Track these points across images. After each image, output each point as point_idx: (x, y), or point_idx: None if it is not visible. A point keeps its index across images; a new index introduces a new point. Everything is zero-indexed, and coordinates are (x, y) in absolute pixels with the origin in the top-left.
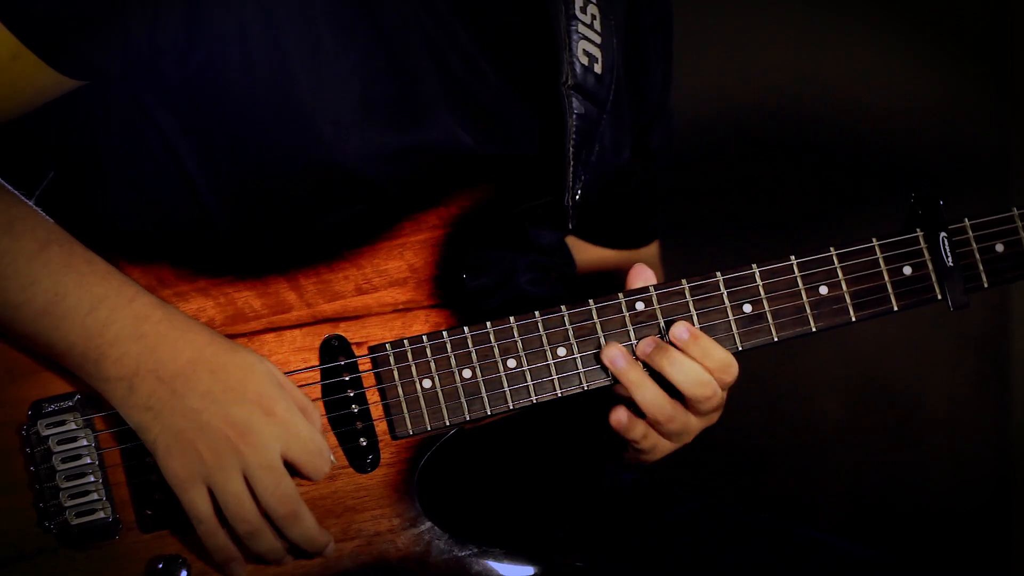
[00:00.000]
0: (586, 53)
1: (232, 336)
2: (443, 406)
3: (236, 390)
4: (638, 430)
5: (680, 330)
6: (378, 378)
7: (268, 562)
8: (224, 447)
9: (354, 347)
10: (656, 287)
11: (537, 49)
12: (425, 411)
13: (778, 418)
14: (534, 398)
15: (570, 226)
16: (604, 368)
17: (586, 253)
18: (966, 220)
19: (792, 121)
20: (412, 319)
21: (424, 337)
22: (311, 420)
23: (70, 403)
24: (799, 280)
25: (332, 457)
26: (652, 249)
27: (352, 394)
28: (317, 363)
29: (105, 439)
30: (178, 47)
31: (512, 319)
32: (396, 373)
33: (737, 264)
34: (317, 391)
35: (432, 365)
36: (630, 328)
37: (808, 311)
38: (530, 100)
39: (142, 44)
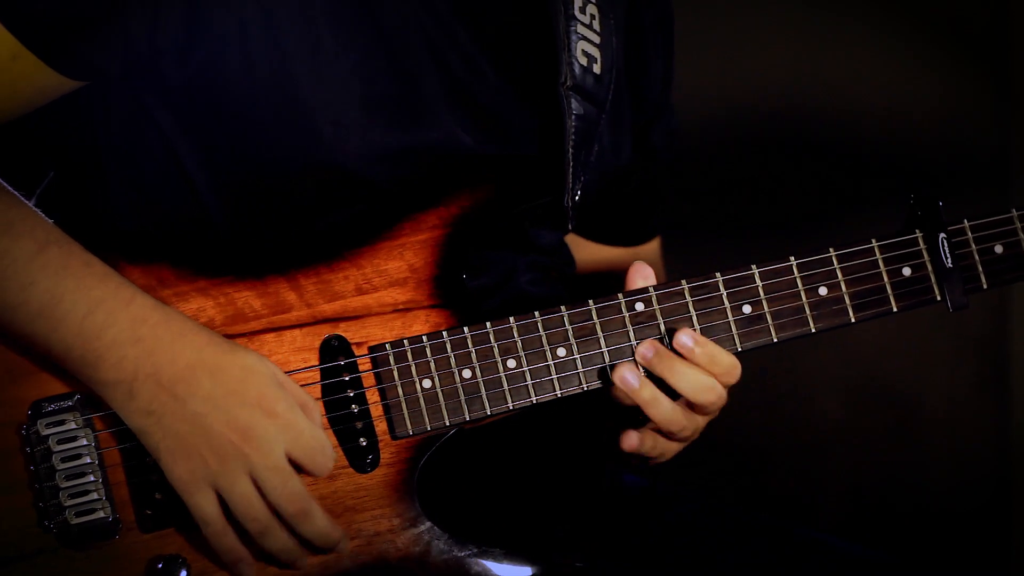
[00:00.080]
0: (585, 53)
1: (232, 336)
2: (443, 406)
3: (237, 393)
4: (648, 445)
5: (684, 338)
6: (378, 378)
7: (283, 564)
8: (229, 451)
9: (354, 347)
10: (656, 287)
11: (537, 49)
12: (425, 411)
13: (778, 418)
14: (534, 398)
15: (570, 227)
16: (605, 369)
17: (587, 251)
18: (965, 221)
19: (792, 121)
20: (412, 319)
21: (424, 337)
22: (312, 417)
23: (70, 403)
24: (799, 281)
25: (334, 453)
26: (653, 246)
27: (352, 394)
28: (317, 363)
29: (105, 439)
30: (178, 47)
31: (512, 319)
32: (396, 373)
33: (737, 265)
34: (317, 391)
35: (432, 365)
36: (630, 328)
37: (808, 312)
38: (530, 100)
39: (142, 44)
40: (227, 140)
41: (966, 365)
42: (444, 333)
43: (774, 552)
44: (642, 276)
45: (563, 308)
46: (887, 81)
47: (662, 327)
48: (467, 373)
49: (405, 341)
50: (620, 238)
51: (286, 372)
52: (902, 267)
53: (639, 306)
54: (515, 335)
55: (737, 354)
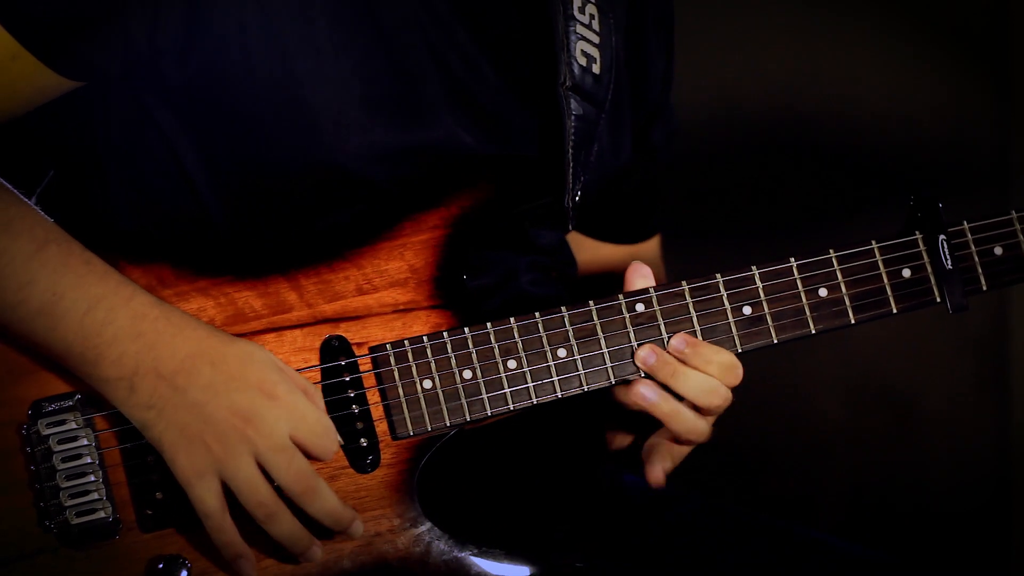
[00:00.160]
0: (584, 54)
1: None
2: (443, 407)
3: (237, 379)
4: (669, 465)
5: (678, 342)
6: (378, 378)
7: (294, 553)
8: (232, 436)
9: (354, 347)
10: (656, 288)
11: (536, 50)
12: (425, 412)
13: (778, 418)
14: (534, 399)
15: (570, 227)
16: (605, 370)
17: (587, 249)
18: (965, 223)
19: (792, 123)
20: (413, 319)
21: (424, 338)
22: (314, 402)
23: (70, 402)
24: (799, 282)
25: (339, 437)
26: (653, 244)
27: (352, 394)
28: (318, 363)
29: (105, 438)
30: (178, 47)
31: (512, 320)
32: (397, 373)
33: (737, 266)
34: (319, 389)
35: (433, 366)
36: (630, 329)
37: (808, 313)
38: (529, 101)
39: (142, 44)
40: (227, 140)
41: (966, 365)
42: (445, 333)
43: (774, 552)
44: (641, 276)
45: (564, 309)
46: (887, 82)
47: (662, 328)
48: (468, 374)
49: (406, 341)
50: (620, 236)
51: None
52: (902, 268)
53: (639, 307)
54: (516, 336)
55: (737, 355)
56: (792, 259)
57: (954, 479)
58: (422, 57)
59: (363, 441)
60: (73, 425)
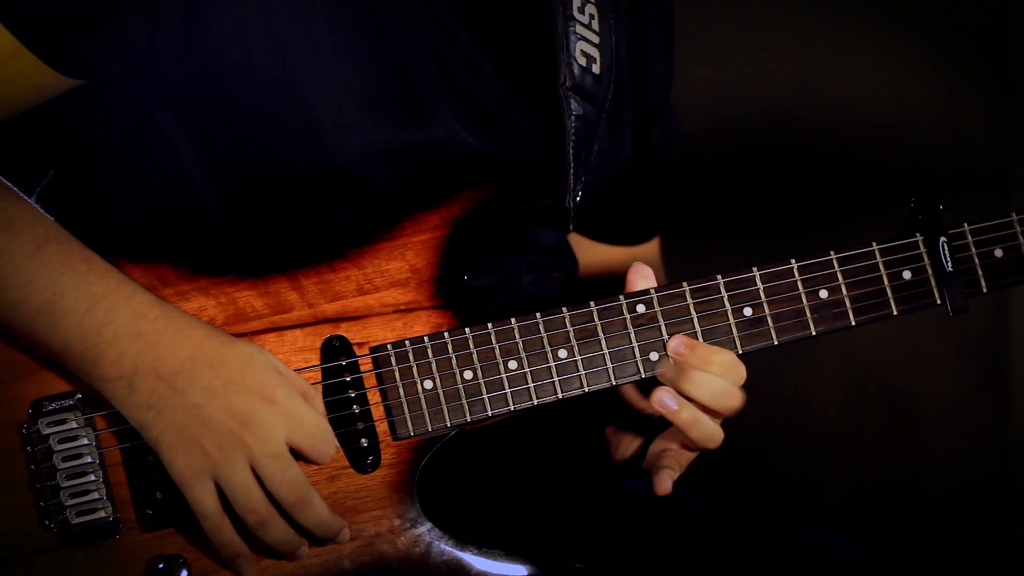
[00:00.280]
0: (584, 54)
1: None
2: (444, 407)
3: (236, 382)
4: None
5: (676, 343)
6: (379, 378)
7: (282, 555)
8: (228, 439)
9: (355, 347)
10: (657, 289)
11: (536, 50)
12: (426, 412)
13: (778, 418)
14: (535, 400)
15: (571, 227)
16: (606, 371)
17: (587, 250)
18: (965, 225)
19: (792, 124)
20: (413, 320)
21: (425, 338)
22: (313, 405)
23: (71, 402)
24: (799, 284)
25: (336, 440)
26: (653, 246)
27: (353, 394)
28: (318, 363)
29: (106, 438)
30: (178, 47)
31: (513, 320)
32: (397, 374)
33: (738, 267)
34: (318, 391)
35: (433, 366)
36: (631, 330)
37: (808, 315)
38: (530, 101)
39: (142, 44)
40: (227, 140)
41: (966, 366)
42: (445, 334)
43: (774, 552)
44: (642, 276)
45: (564, 309)
46: (888, 84)
47: (663, 329)
48: (468, 374)
49: (406, 342)
50: (620, 237)
51: None
52: (902, 270)
53: (640, 308)
54: (516, 336)
55: (738, 356)
56: (793, 260)
57: (954, 479)
58: (422, 57)
59: (363, 441)
60: (73, 424)
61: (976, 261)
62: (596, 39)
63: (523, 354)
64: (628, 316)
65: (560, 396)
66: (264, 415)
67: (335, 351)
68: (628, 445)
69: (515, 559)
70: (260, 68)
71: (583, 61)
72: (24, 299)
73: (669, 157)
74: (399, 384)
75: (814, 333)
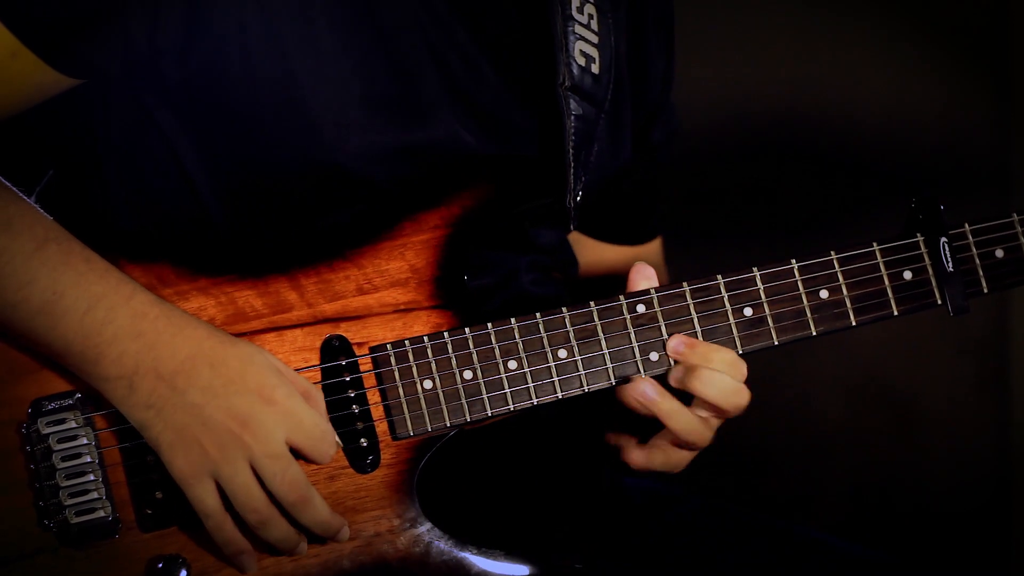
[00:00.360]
0: (583, 53)
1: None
2: (444, 407)
3: (236, 382)
4: (659, 460)
5: (676, 343)
6: (379, 378)
7: (282, 552)
8: (228, 439)
9: (355, 347)
10: (657, 289)
11: (535, 50)
12: (426, 412)
13: (778, 418)
14: (535, 399)
15: (572, 227)
16: (606, 371)
17: (588, 250)
18: (966, 225)
19: (793, 124)
20: (413, 319)
21: (425, 338)
22: (314, 404)
23: (70, 401)
24: (800, 284)
25: (337, 439)
26: (655, 246)
27: (353, 394)
28: (318, 363)
29: (105, 438)
30: (178, 47)
31: (513, 320)
32: (397, 373)
33: (738, 267)
34: (320, 391)
35: (433, 366)
36: (631, 330)
37: (808, 315)
38: (529, 101)
39: (142, 44)
40: (227, 140)
41: (966, 365)
42: (445, 334)
43: (774, 552)
44: (644, 276)
45: (564, 309)
46: (888, 83)
47: (663, 329)
48: (468, 374)
49: (406, 341)
50: (621, 237)
51: None
52: (903, 270)
53: (640, 308)
54: (516, 336)
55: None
56: (793, 260)
57: (954, 479)
58: (422, 57)
59: (363, 441)
60: (73, 424)
61: (977, 261)
62: (595, 39)
63: (523, 354)
64: (628, 316)
65: (560, 396)
66: (264, 415)
67: (335, 351)
68: (628, 444)
69: (515, 559)
70: (260, 68)
71: (582, 61)
72: (24, 299)
73: (669, 157)
74: (398, 384)
75: (814, 333)
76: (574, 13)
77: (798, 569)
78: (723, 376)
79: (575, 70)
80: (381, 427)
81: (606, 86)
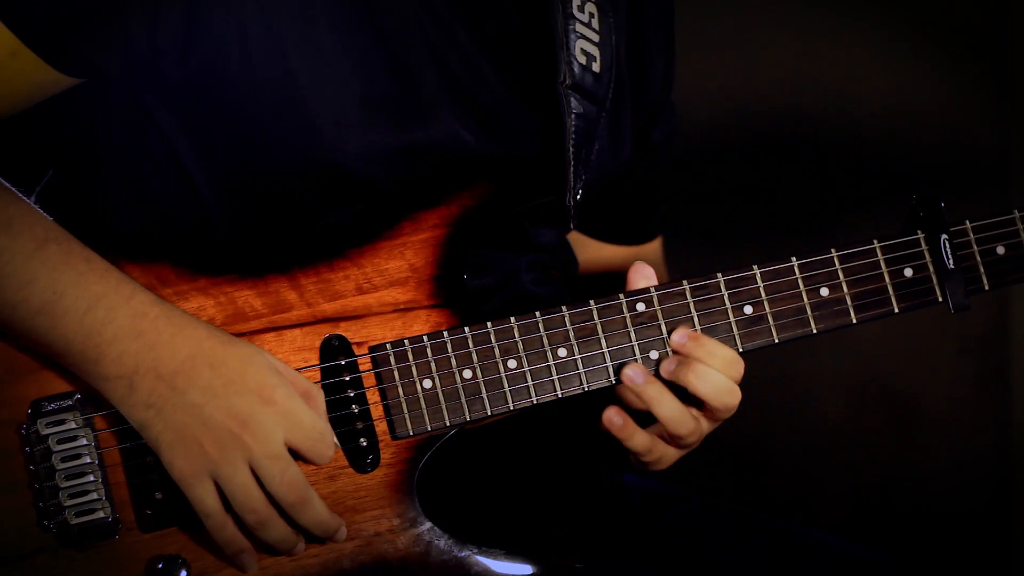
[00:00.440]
0: (584, 52)
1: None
2: (443, 406)
3: (236, 382)
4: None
5: (679, 336)
6: (378, 378)
7: (280, 552)
8: (227, 439)
9: (354, 347)
10: (657, 288)
11: (536, 49)
12: (425, 411)
13: (778, 418)
14: (534, 399)
15: (572, 226)
16: (606, 370)
17: (588, 250)
18: (967, 222)
19: (793, 122)
20: (413, 319)
21: (425, 337)
22: (314, 404)
23: (70, 402)
24: (800, 281)
25: (336, 440)
26: (655, 246)
27: (352, 394)
28: (317, 363)
29: (105, 438)
30: (178, 47)
31: (513, 319)
32: (396, 373)
33: (738, 265)
34: (320, 391)
35: (432, 365)
36: (631, 329)
37: (809, 312)
38: (530, 100)
39: (142, 44)
40: (227, 140)
41: (966, 364)
42: (445, 333)
43: (774, 552)
44: (643, 276)
45: (564, 308)
46: (888, 82)
47: (663, 327)
48: (468, 373)
49: (406, 341)
50: (621, 237)
51: None
52: (904, 268)
53: (640, 306)
54: (516, 335)
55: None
56: (793, 258)
57: (954, 479)
58: (422, 57)
59: (363, 441)
60: (72, 425)
61: (978, 258)
62: (596, 37)
63: (522, 353)
64: (628, 315)
65: (560, 395)
66: (263, 416)
67: (334, 351)
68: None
69: (515, 558)
70: (260, 68)
71: (583, 59)
72: (24, 299)
73: (670, 157)
74: (398, 383)
75: (815, 331)
76: (575, 11)
77: (798, 569)
78: (718, 373)
79: (576, 68)
80: (381, 427)
81: (607, 85)
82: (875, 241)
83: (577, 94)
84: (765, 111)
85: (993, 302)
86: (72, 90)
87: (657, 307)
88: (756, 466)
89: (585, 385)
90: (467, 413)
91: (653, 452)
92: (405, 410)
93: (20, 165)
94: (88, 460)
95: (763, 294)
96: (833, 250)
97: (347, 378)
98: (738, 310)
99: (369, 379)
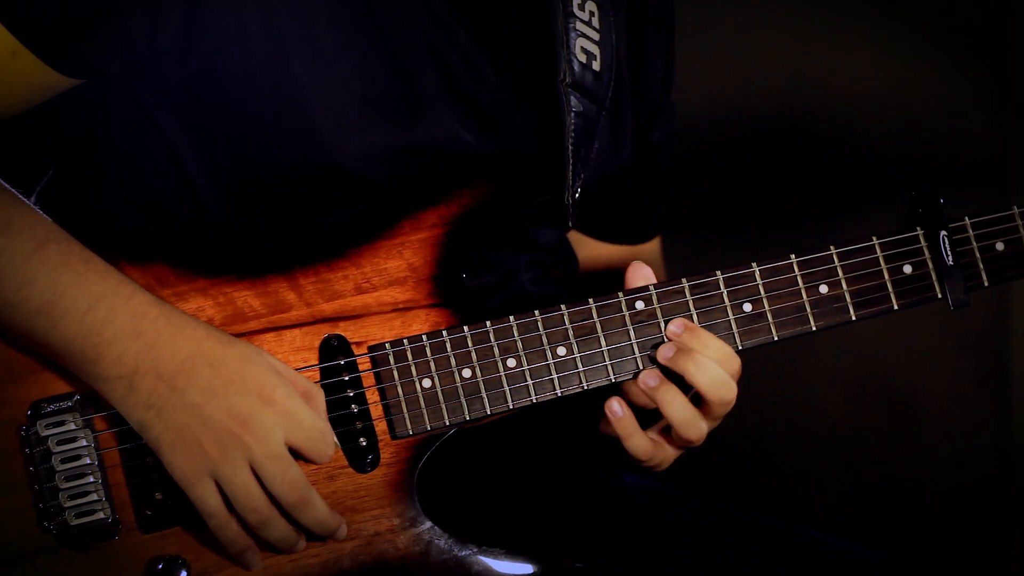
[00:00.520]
0: (584, 51)
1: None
2: (443, 406)
3: (236, 382)
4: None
5: (676, 327)
6: (377, 378)
7: (281, 551)
8: (228, 440)
9: (353, 347)
10: (656, 286)
11: (536, 48)
12: (425, 411)
13: (778, 418)
14: (534, 398)
15: (570, 224)
16: (605, 368)
17: (588, 249)
18: (966, 218)
19: (792, 120)
20: (412, 318)
21: (424, 336)
22: (314, 404)
23: (69, 403)
24: (799, 279)
25: (335, 440)
26: (654, 245)
27: (352, 394)
28: (316, 363)
29: (105, 439)
30: (178, 47)
31: (512, 318)
32: (396, 373)
33: (737, 263)
34: (320, 390)
35: (432, 365)
36: (630, 327)
37: (808, 310)
38: (530, 99)
39: (142, 44)
40: (227, 140)
41: (966, 361)
42: (444, 332)
43: (774, 552)
44: (641, 275)
45: (563, 307)
46: (888, 80)
47: (662, 326)
48: (467, 372)
49: (405, 341)
50: (620, 236)
51: None
52: (903, 264)
53: (639, 305)
54: (515, 334)
55: (738, 352)
56: (792, 255)
57: (954, 479)
58: (422, 57)
59: (362, 440)
60: (72, 426)
61: (977, 255)
62: (596, 36)
63: (522, 352)
64: (627, 313)
65: (559, 394)
66: (263, 415)
67: (333, 351)
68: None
69: (515, 558)
70: (260, 68)
71: (583, 58)
72: (24, 299)
73: (670, 157)
74: (397, 383)
75: (814, 328)
76: (575, 10)
77: (798, 569)
78: (715, 364)
79: (576, 67)
80: (380, 426)
81: (607, 83)
82: (874, 238)
83: (577, 93)
84: (765, 110)
85: (992, 298)
86: (72, 90)
87: (656, 305)
88: (756, 466)
89: (584, 384)
90: (466, 412)
91: (655, 456)
92: (404, 410)
93: (20, 165)
94: (88, 461)
95: (762, 292)
96: (832, 247)
97: (346, 378)
98: (737, 308)
99: (368, 379)
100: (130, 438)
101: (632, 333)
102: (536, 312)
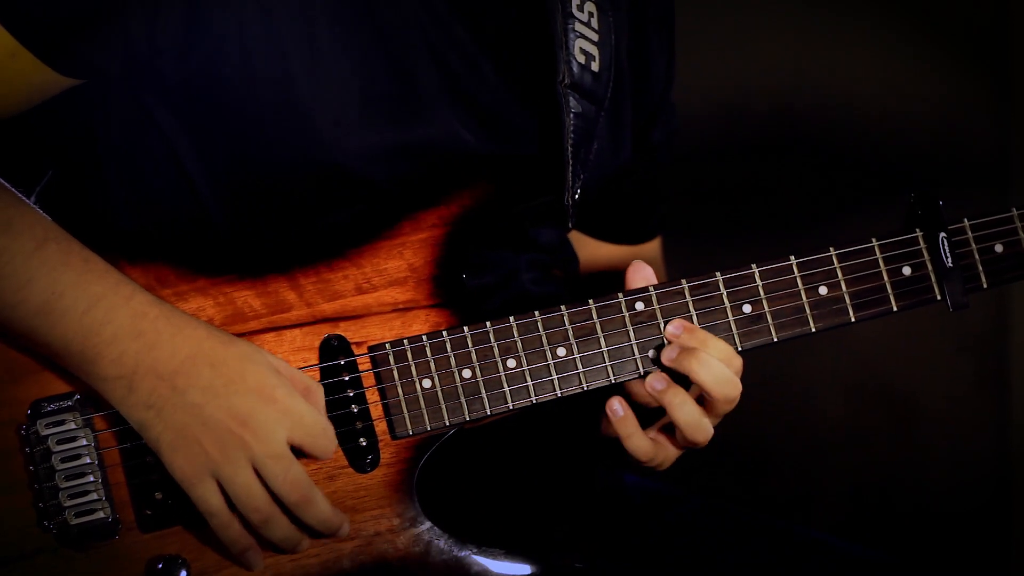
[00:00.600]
0: (583, 51)
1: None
2: (443, 406)
3: (236, 382)
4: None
5: (674, 327)
6: (377, 378)
7: (283, 550)
8: (229, 439)
9: (354, 347)
10: (656, 287)
11: (535, 48)
12: (425, 411)
13: (778, 418)
14: (534, 398)
15: (570, 225)
16: (605, 369)
17: (588, 249)
18: (965, 220)
19: (792, 121)
20: (412, 319)
21: (424, 337)
22: (314, 401)
23: (69, 403)
24: (799, 280)
25: (335, 436)
26: (654, 246)
27: (352, 394)
28: (317, 363)
29: (105, 439)
30: (178, 47)
31: (512, 319)
32: (396, 373)
33: (737, 264)
34: (319, 387)
35: (432, 365)
36: (630, 328)
37: (808, 311)
38: (529, 99)
39: (142, 44)
40: (227, 140)
41: (965, 363)
42: (444, 333)
43: (774, 552)
44: (641, 276)
45: (563, 307)
46: (887, 81)
47: (662, 327)
48: (467, 373)
49: (405, 341)
50: (620, 236)
51: None
52: (902, 266)
53: (639, 305)
54: (515, 334)
55: (737, 353)
56: (792, 257)
57: (954, 479)
58: (421, 56)
59: (362, 441)
60: (72, 425)
61: (976, 256)
62: (595, 37)
63: (522, 352)
64: (627, 314)
65: (559, 394)
66: (264, 415)
67: (333, 351)
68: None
69: (515, 558)
70: (260, 68)
71: (582, 59)
72: (24, 299)
73: (670, 157)
74: (397, 383)
75: (814, 329)
76: (574, 11)
77: (798, 569)
78: (719, 362)
79: (575, 68)
80: (380, 426)
81: (606, 84)
82: (873, 239)
83: (576, 93)
84: (764, 110)
85: (992, 300)
86: (72, 90)
87: (656, 306)
88: (756, 466)
89: (584, 384)
90: (466, 413)
91: (657, 457)
92: (404, 410)
93: (20, 165)
94: (88, 460)
95: (762, 293)
96: (832, 249)
97: (346, 378)
98: (737, 309)
99: (368, 379)
100: (130, 437)
101: (632, 334)
102: (536, 313)
